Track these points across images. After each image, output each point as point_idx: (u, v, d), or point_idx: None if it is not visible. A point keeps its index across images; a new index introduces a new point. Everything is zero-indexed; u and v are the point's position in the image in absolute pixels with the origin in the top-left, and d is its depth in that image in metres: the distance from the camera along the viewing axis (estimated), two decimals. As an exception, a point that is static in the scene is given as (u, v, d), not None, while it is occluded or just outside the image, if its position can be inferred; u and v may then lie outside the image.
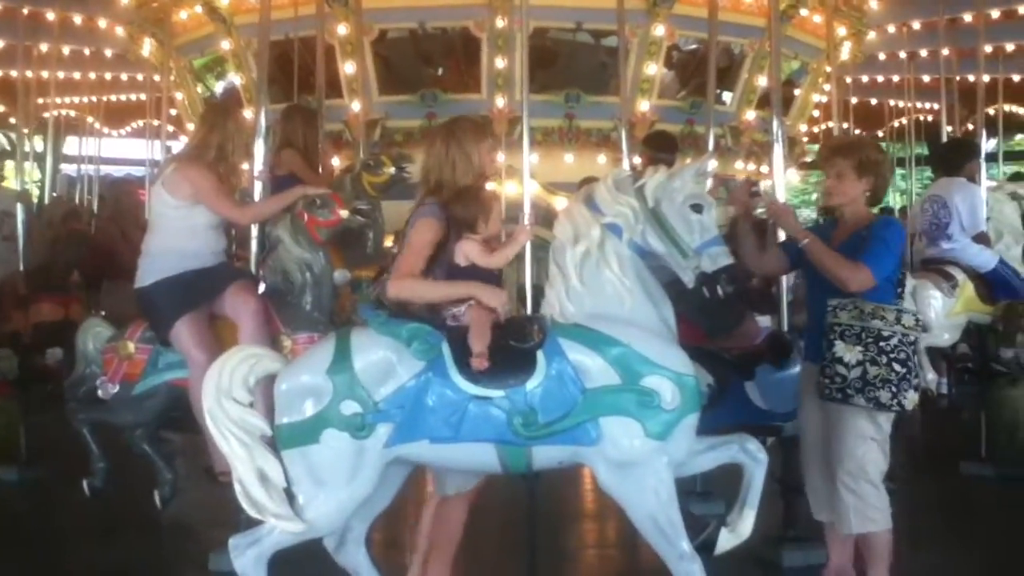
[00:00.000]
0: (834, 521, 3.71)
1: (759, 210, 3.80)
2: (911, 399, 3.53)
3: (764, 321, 5.42)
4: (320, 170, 5.76)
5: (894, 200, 16.09)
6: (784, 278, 4.76)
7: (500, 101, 9.93)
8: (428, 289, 3.36)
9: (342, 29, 9.84)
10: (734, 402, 4.28)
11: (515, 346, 3.19)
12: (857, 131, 14.48)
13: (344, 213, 4.59)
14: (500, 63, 9.93)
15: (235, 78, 11.46)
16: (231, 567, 3.21)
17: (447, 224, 3.43)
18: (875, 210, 3.91)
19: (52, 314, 7.29)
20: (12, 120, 11.44)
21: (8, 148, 17.16)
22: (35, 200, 11.96)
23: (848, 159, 3.70)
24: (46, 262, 7.71)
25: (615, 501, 3.25)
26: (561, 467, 3.32)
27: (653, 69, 10.49)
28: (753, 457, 3.28)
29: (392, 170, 5.12)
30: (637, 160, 6.99)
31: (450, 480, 3.55)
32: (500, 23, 9.79)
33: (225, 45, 11.05)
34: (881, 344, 3.50)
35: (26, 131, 9.32)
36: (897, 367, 3.49)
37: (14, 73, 9.98)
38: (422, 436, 3.12)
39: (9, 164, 9.41)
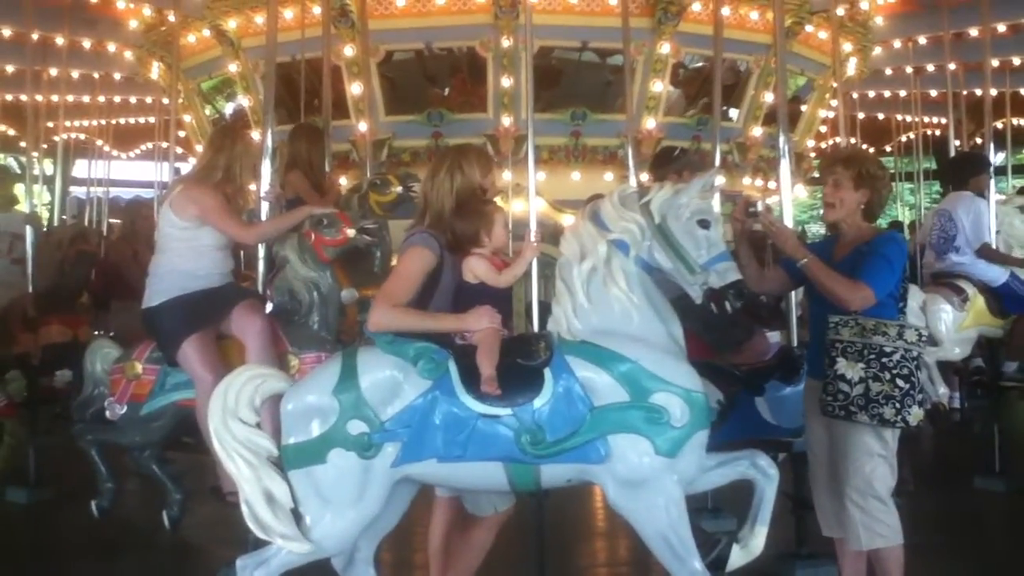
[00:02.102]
0: (843, 537, 3.67)
1: (755, 227, 3.77)
2: (915, 415, 3.48)
3: (774, 337, 5.40)
4: (325, 189, 5.78)
5: (903, 215, 16.06)
6: (793, 293, 4.75)
7: (506, 120, 9.95)
8: (411, 320, 3.28)
9: (348, 50, 9.90)
10: (744, 418, 4.26)
11: (522, 364, 3.17)
12: (864, 146, 14.46)
13: (351, 232, 4.60)
14: (506, 82, 9.95)
15: (243, 100, 11.52)
16: (238, 588, 3.18)
17: (440, 253, 3.41)
18: (884, 224, 3.88)
19: (61, 336, 7.30)
20: (22, 143, 11.52)
21: (18, 171, 17.29)
22: (44, 223, 12.03)
23: (848, 169, 3.69)
24: (55, 284, 7.73)
25: (625, 518, 3.22)
26: (570, 485, 3.29)
27: (659, 87, 10.51)
28: (764, 473, 3.24)
29: (398, 189, 5.16)
30: (644, 177, 6.99)
31: (486, 500, 3.51)
32: (506, 43, 9.82)
33: (233, 67, 11.12)
34: (883, 360, 3.46)
35: (36, 154, 9.39)
36: (900, 383, 3.45)
37: (24, 97, 10.08)
38: (429, 455, 3.10)
39: (19, 187, 9.48)
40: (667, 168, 5.28)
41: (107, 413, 4.72)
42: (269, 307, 4.67)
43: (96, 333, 7.71)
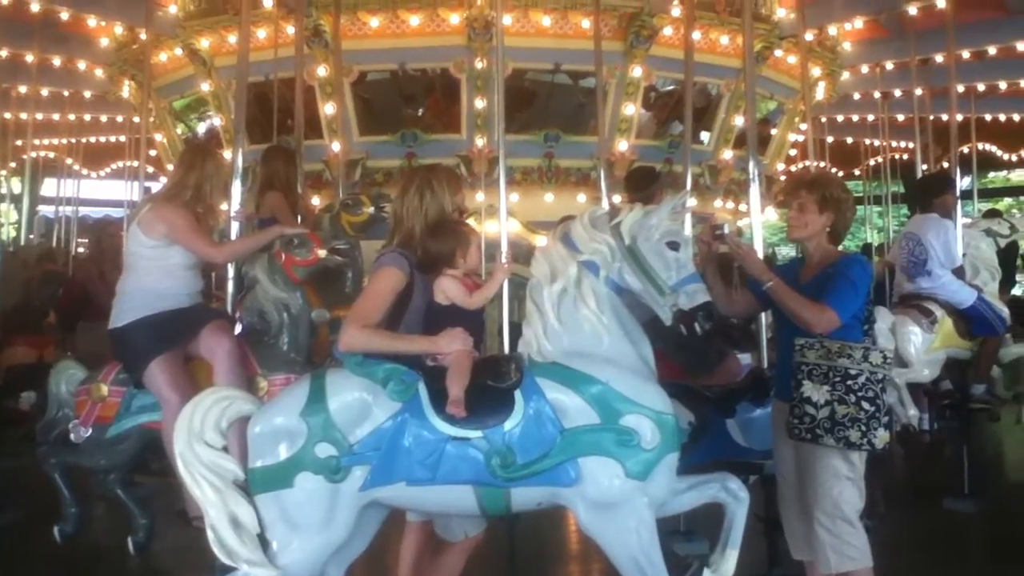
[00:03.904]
0: (813, 560, 3.67)
1: (722, 249, 3.79)
2: (882, 438, 3.49)
3: (745, 359, 5.42)
4: (299, 210, 5.74)
5: (872, 237, 16.24)
6: (763, 315, 4.77)
7: (480, 141, 9.97)
8: (382, 341, 3.25)
9: (322, 70, 9.90)
10: (715, 440, 4.25)
11: (493, 386, 3.15)
12: (833, 170, 14.62)
13: (322, 252, 4.58)
14: (479, 103, 9.98)
15: (216, 119, 11.47)
16: (204, 614, 3.14)
17: (410, 272, 3.39)
18: (854, 248, 3.91)
19: (26, 356, 7.20)
20: (-10, 161, 11.42)
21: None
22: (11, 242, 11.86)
23: (812, 193, 3.72)
24: (20, 304, 7.63)
25: (596, 542, 3.20)
26: (540, 508, 3.26)
27: (631, 109, 10.58)
28: (735, 496, 3.25)
29: (371, 209, 5.14)
30: (617, 199, 7.02)
31: (456, 525, 3.48)
32: (479, 64, 9.86)
33: (205, 87, 11.08)
34: (849, 383, 3.47)
35: (4, 173, 9.29)
36: (866, 405, 3.46)
37: (-8, 115, 9.99)
38: (399, 478, 3.07)
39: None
40: (652, 188, 5.29)
41: (72, 435, 4.64)
42: (238, 328, 4.62)
43: (67, 354, 7.60)
